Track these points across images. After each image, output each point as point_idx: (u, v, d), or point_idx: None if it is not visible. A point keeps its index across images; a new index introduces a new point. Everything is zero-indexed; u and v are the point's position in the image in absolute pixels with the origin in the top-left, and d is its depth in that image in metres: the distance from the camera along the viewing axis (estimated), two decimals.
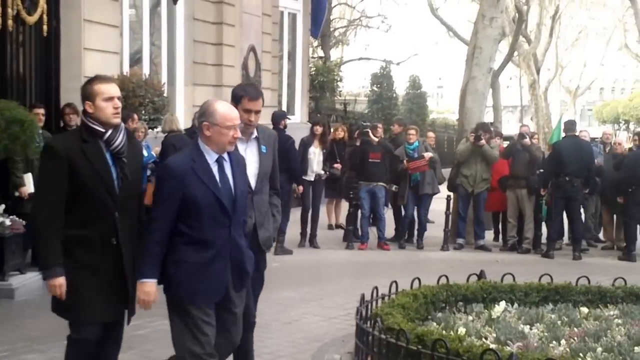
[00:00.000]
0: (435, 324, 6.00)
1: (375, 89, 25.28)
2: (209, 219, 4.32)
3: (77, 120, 9.84)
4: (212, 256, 4.34)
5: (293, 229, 12.21)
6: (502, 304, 6.46)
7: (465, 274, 7.23)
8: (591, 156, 12.32)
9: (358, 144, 12.96)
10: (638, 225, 12.44)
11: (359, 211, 12.61)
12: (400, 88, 29.51)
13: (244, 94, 5.03)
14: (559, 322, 6.17)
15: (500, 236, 13.28)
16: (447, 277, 6.82)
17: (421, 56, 36.36)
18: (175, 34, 13.71)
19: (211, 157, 4.40)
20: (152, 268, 4.31)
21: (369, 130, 12.50)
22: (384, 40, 35.96)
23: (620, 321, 6.26)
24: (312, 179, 12.41)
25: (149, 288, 4.32)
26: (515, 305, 6.67)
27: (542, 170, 12.48)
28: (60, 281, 4.22)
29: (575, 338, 5.69)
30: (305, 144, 12.52)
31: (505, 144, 14.53)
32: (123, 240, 4.34)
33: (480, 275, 7.24)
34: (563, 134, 12.77)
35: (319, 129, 12.62)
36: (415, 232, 12.94)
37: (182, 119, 12.70)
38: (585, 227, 13.14)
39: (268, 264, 5.49)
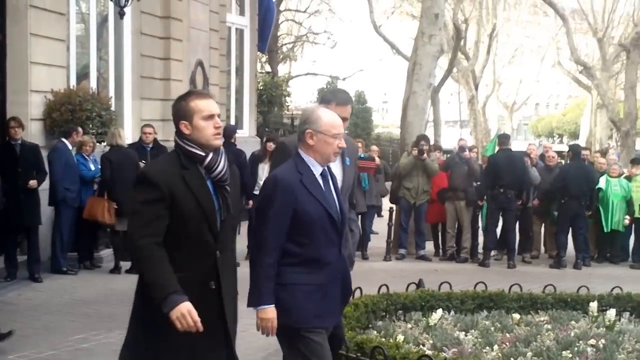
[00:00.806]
0: (375, 332, 6.19)
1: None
2: (322, 236, 3.95)
3: (21, 134, 9.89)
4: (326, 277, 3.97)
5: (241, 243, 12.35)
6: (439, 311, 6.68)
7: (406, 283, 7.48)
8: (524, 169, 12.80)
9: None
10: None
11: None
12: None
13: (333, 98, 4.67)
14: (492, 328, 6.49)
15: (440, 246, 13.70)
16: (387, 286, 7.07)
17: (367, 72, 36.87)
18: (122, 49, 13.77)
19: (316, 170, 4.02)
20: (269, 292, 3.90)
21: None
22: (331, 56, 36.43)
23: (549, 326, 6.62)
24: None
25: (271, 314, 3.92)
26: (452, 312, 6.96)
27: (479, 183, 12.95)
28: (187, 307, 3.52)
29: (507, 343, 5.99)
30: (256, 158, 12.50)
31: (446, 157, 15.01)
32: (224, 283, 3.75)
33: (419, 284, 7.48)
34: (497, 148, 13.27)
35: (271, 146, 12.61)
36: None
37: (130, 133, 12.81)
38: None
39: None
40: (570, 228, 12.84)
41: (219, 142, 3.74)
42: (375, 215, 13.98)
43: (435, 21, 13.99)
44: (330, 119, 4.02)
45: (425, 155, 12.83)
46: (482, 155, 15.59)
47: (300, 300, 3.91)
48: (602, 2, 32.87)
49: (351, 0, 35.19)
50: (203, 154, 3.69)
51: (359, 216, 12.99)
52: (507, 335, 6.29)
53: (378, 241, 13.56)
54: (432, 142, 14.40)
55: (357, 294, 6.82)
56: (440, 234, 13.68)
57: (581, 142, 37.33)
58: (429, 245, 13.57)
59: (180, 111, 3.73)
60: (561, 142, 48.70)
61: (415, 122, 14.01)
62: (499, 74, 40.10)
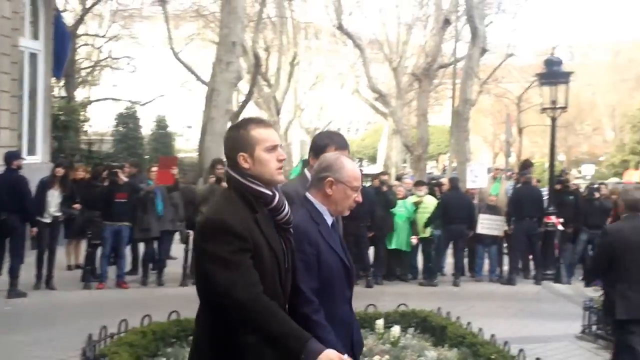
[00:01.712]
0: (164, 359, 6.20)
1: (121, 128, 25.22)
2: (339, 292, 3.58)
3: None
4: (343, 337, 3.52)
5: (28, 271, 11.88)
6: None
7: None
8: None
9: (106, 184, 12.86)
10: None
11: (97, 250, 12.59)
12: (148, 128, 29.41)
13: (330, 142, 4.21)
14: None
15: None
16: (177, 312, 7.07)
17: (170, 97, 36.62)
18: None
19: (328, 219, 3.65)
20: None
21: (117, 171, 12.55)
22: (132, 81, 35.87)
23: None
24: (49, 221, 12.17)
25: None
26: None
27: None
28: (333, 351, 3.09)
29: None
30: (45, 184, 12.25)
31: None
32: None
33: None
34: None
35: (60, 171, 12.41)
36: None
37: None
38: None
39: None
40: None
41: (282, 177, 3.28)
42: (178, 240, 13.90)
43: (233, 49, 14.17)
44: (354, 169, 3.67)
45: (224, 183, 12.90)
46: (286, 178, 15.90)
47: None
48: (396, 33, 34.61)
49: (151, 26, 34.90)
50: (271, 193, 3.22)
51: (155, 241, 12.89)
52: None
53: (176, 266, 13.46)
54: None
55: (146, 321, 6.79)
56: None
57: (379, 166, 39.06)
58: None
59: (239, 141, 3.21)
60: (361, 165, 50.50)
61: (213, 148, 14.11)
62: (300, 100, 41.08)
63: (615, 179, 35.75)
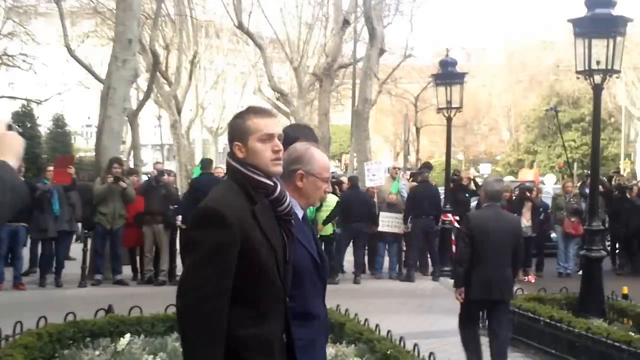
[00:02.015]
0: None
1: (17, 127, 24.45)
2: (310, 287, 3.47)
3: None
4: (317, 331, 3.50)
5: None
6: (127, 336, 6.71)
7: (101, 308, 7.39)
8: None
9: None
10: None
11: None
12: (46, 126, 28.66)
13: (301, 136, 3.97)
14: (180, 350, 6.62)
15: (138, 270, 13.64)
16: (74, 313, 6.96)
17: (68, 95, 35.77)
18: None
19: (299, 212, 3.51)
20: None
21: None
22: (30, 80, 34.85)
23: None
24: None
25: None
26: (142, 336, 6.96)
27: (176, 206, 13.15)
28: None
29: None
30: None
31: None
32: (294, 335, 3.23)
33: (109, 310, 7.46)
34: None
35: None
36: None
37: None
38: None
39: None
40: None
41: (278, 169, 3.13)
42: (73, 241, 13.64)
43: (129, 46, 13.96)
44: (323, 160, 3.59)
45: (123, 183, 12.75)
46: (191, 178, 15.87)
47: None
48: (297, 33, 34.77)
49: (47, 23, 33.97)
50: (272, 183, 3.10)
51: (53, 242, 12.60)
52: None
53: (74, 267, 13.20)
54: (132, 167, 14.35)
55: (42, 322, 6.67)
56: (138, 257, 13.63)
57: None
58: (127, 270, 13.46)
59: (235, 130, 3.13)
60: None
61: (110, 146, 13.86)
62: (202, 99, 40.76)
63: (510, 178, 36.93)
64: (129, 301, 9.61)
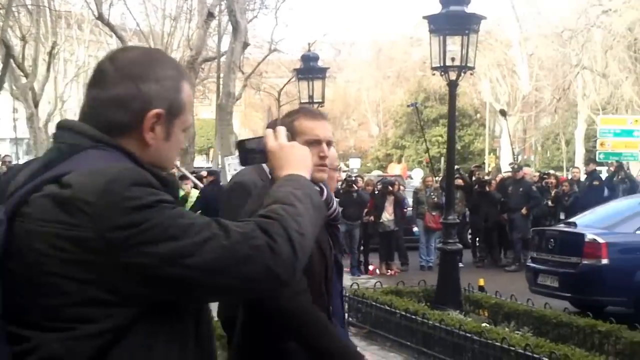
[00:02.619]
0: None
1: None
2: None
3: None
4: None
5: None
6: None
7: None
8: None
9: None
10: None
11: None
12: None
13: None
14: None
15: None
16: None
17: None
18: None
19: None
20: None
21: None
22: None
23: None
24: None
25: None
26: None
27: None
28: None
29: None
30: None
31: None
32: None
33: None
34: None
35: None
36: None
37: None
38: None
39: None
40: None
41: (323, 175, 2.94)
42: None
43: None
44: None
45: None
46: None
47: None
48: (161, 25, 34.02)
49: None
50: (318, 188, 2.80)
51: None
52: None
53: None
54: None
55: None
56: None
57: None
58: None
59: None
60: None
61: None
62: (62, 91, 39.27)
63: (379, 172, 37.50)
64: None
